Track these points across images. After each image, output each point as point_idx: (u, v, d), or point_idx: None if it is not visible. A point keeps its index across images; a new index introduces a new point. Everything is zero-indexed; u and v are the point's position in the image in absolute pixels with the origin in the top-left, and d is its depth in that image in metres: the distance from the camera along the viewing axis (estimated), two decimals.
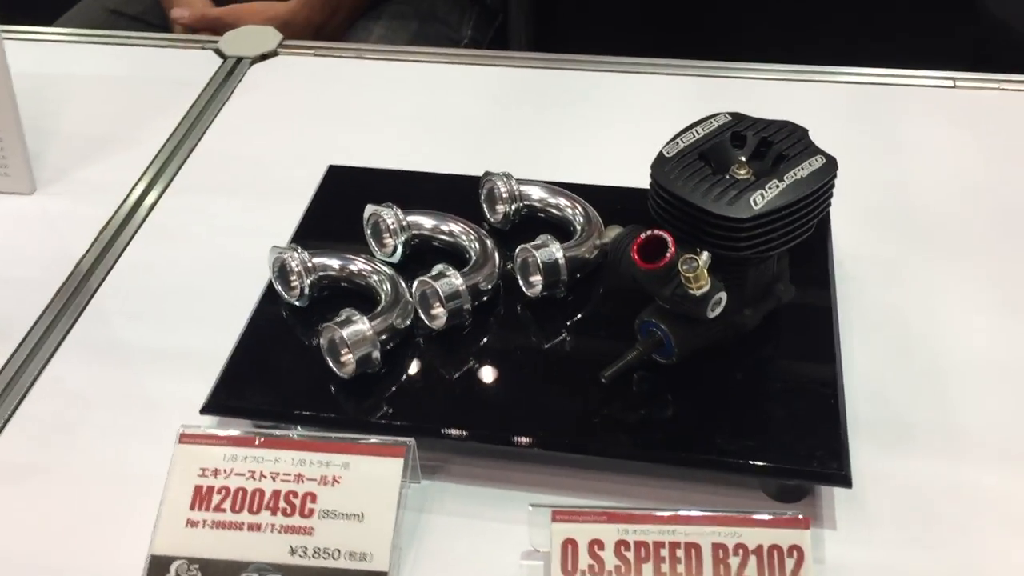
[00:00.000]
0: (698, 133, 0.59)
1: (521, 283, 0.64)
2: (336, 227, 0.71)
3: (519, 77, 0.95)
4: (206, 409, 0.59)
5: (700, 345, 0.59)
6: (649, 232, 0.56)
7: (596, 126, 0.87)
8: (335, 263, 0.65)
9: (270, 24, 1.35)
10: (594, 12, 1.54)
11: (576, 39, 1.42)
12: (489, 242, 0.66)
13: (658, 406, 0.59)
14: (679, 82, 0.92)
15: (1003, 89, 0.89)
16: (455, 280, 0.62)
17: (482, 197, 0.70)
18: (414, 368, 0.62)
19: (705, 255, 0.55)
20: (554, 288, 0.64)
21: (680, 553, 0.51)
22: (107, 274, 0.74)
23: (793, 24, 1.44)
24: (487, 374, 0.62)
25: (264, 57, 0.98)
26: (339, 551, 0.53)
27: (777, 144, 0.59)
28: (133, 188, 0.82)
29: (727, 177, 0.57)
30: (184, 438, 0.57)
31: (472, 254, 0.66)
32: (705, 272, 0.55)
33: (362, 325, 0.59)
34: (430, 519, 0.57)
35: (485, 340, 0.63)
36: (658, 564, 0.51)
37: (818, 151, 0.59)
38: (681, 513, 0.52)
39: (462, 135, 0.87)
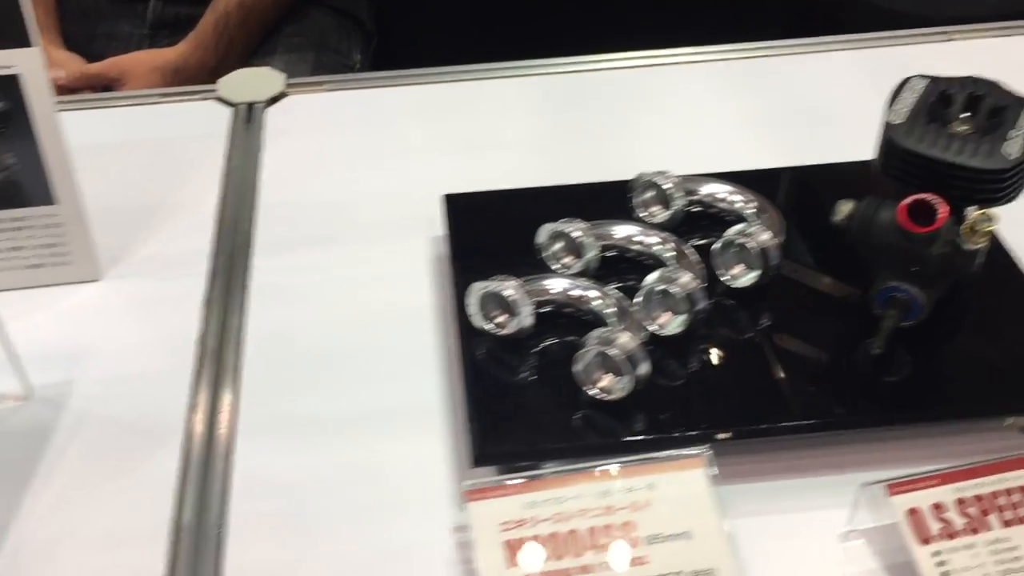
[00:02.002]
0: (909, 99, 0.63)
1: (726, 274, 0.64)
2: (491, 253, 0.68)
3: (537, 85, 0.93)
4: (480, 461, 0.56)
5: (934, 300, 0.62)
6: (915, 197, 0.58)
7: (624, 123, 0.88)
8: (555, 286, 0.62)
9: (158, 72, 1.29)
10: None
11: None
12: (680, 243, 0.66)
13: (916, 366, 0.60)
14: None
15: None
16: (691, 282, 0.60)
17: (640, 199, 0.69)
18: (665, 377, 0.60)
19: (978, 209, 0.58)
20: (768, 275, 0.64)
21: (1017, 497, 0.53)
22: (240, 350, 0.68)
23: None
24: (729, 368, 0.61)
25: (274, 100, 0.93)
26: (681, 572, 0.52)
27: (986, 98, 0.63)
28: (215, 256, 0.75)
29: (959, 134, 0.61)
30: (471, 495, 0.54)
31: (664, 257, 0.65)
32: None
33: (630, 341, 0.57)
34: (732, 523, 0.55)
35: (708, 335, 0.62)
36: (1001, 513, 0.53)
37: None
38: (1002, 461, 0.53)
39: (516, 147, 0.85)
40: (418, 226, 0.76)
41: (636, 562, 0.52)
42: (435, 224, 0.74)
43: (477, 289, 0.62)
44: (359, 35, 1.40)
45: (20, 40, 0.66)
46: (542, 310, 0.63)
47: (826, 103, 0.90)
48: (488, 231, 0.71)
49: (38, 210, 0.71)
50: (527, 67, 0.97)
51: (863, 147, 0.69)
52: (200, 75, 1.23)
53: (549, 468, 0.55)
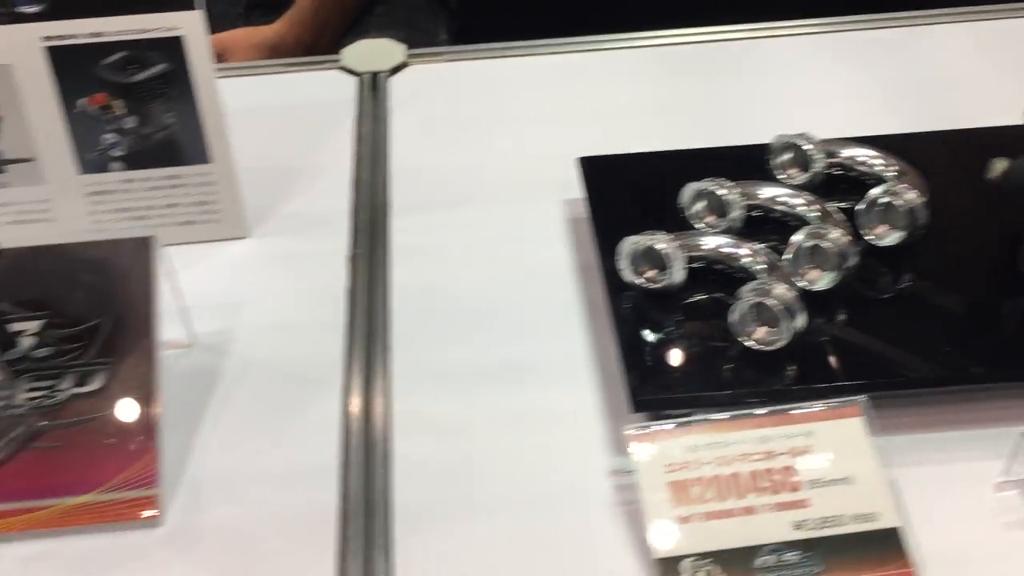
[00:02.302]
0: None
1: (870, 234, 0.65)
2: (630, 212, 0.70)
3: (651, 56, 0.94)
4: (640, 407, 0.57)
5: None
6: None
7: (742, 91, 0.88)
8: (707, 242, 0.64)
9: (256, 49, 1.32)
10: None
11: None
12: (825, 203, 0.67)
13: None
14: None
15: None
16: (841, 237, 0.62)
17: (778, 160, 0.71)
18: (814, 331, 0.61)
19: None
20: (914, 234, 0.64)
21: None
22: (387, 303, 0.70)
23: None
24: (879, 324, 0.62)
25: (396, 70, 0.96)
26: (843, 516, 0.53)
27: None
28: (355, 215, 0.78)
29: None
30: (635, 438, 0.56)
31: (810, 218, 0.66)
32: None
33: (787, 292, 0.59)
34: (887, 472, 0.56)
35: (856, 292, 0.63)
36: None
37: None
38: None
39: (635, 115, 0.86)
40: (548, 189, 0.78)
41: (798, 505, 0.54)
42: (565, 187, 0.76)
43: (630, 243, 0.64)
44: (444, 15, 1.44)
45: (184, 3, 0.70)
46: (691, 266, 0.65)
47: (948, 74, 0.90)
48: (625, 192, 0.73)
49: (193, 169, 0.74)
50: (639, 38, 0.98)
51: (990, 116, 0.70)
52: (296, 52, 1.25)
53: (707, 415, 0.57)
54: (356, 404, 0.64)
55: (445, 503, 0.59)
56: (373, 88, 0.93)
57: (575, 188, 0.76)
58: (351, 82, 0.94)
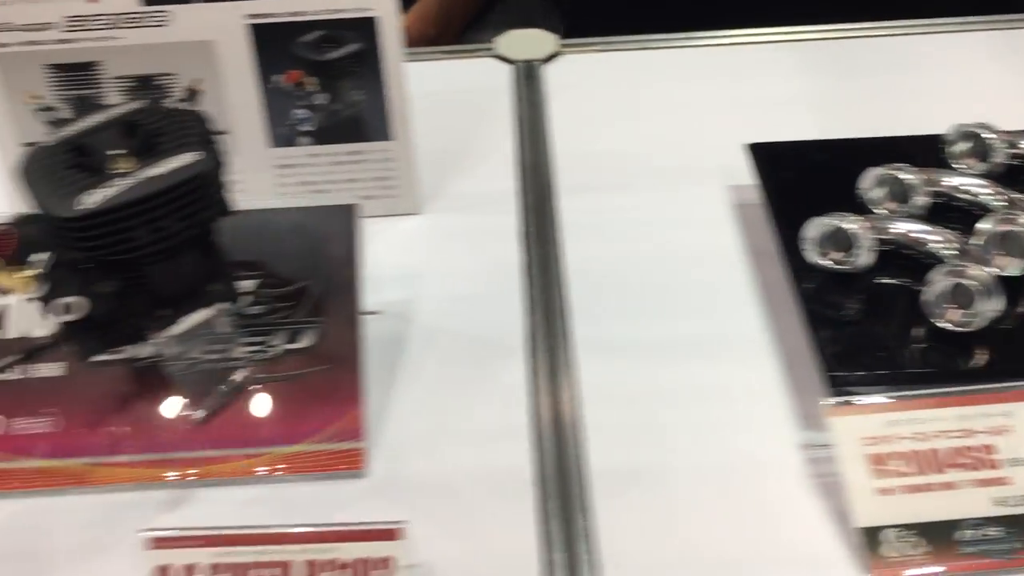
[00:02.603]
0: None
1: None
2: (805, 198, 0.70)
3: (792, 50, 0.95)
4: (835, 383, 0.59)
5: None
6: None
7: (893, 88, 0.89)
8: (896, 226, 0.65)
9: None
10: None
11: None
12: (1011, 192, 0.68)
13: None
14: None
15: None
16: None
17: (956, 149, 0.71)
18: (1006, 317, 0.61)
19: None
20: None
21: None
22: (561, 278, 0.72)
23: None
24: None
25: (549, 58, 0.98)
26: None
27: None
28: (523, 195, 0.81)
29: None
30: (834, 411, 0.57)
31: (995, 206, 0.67)
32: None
33: (986, 274, 0.59)
34: None
35: None
36: None
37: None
38: None
39: (786, 106, 0.87)
40: (711, 175, 0.80)
41: (999, 482, 0.55)
42: (727, 173, 0.78)
43: (817, 225, 0.65)
44: (558, 13, 1.46)
45: None
46: (876, 249, 0.65)
47: None
48: (800, 178, 0.74)
49: (375, 145, 0.77)
50: (782, 33, 0.99)
51: None
52: (420, 45, 1.30)
53: (901, 392, 0.57)
54: (543, 372, 0.66)
55: (639, 469, 0.61)
56: (528, 76, 0.97)
57: (737, 175, 0.77)
58: (505, 70, 0.98)
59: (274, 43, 0.74)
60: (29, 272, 0.49)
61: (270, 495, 0.60)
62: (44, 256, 0.50)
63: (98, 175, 0.51)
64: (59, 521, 0.59)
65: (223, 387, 0.61)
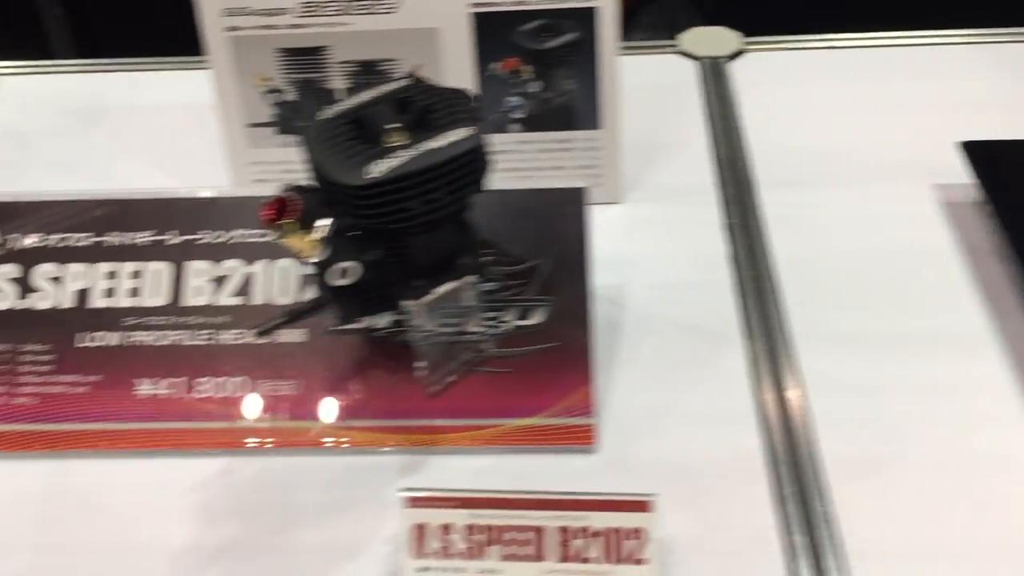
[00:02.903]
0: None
1: None
2: None
3: (1000, 51, 0.93)
4: None
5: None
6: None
7: None
8: None
9: None
10: None
11: None
12: None
13: None
14: None
15: None
16: None
17: None
18: None
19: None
20: None
21: None
22: (770, 270, 0.72)
23: None
24: None
25: (734, 56, 0.99)
26: None
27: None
28: (722, 188, 0.81)
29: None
30: None
31: None
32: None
33: None
34: None
35: None
36: None
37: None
38: None
39: (985, 107, 0.86)
40: (914, 172, 0.80)
41: None
42: (932, 171, 0.78)
43: None
44: (700, 16, 1.47)
45: None
46: None
47: None
48: (1020, 177, 0.73)
49: (584, 134, 0.79)
50: (972, 35, 0.97)
51: None
52: None
53: None
54: (763, 359, 0.67)
55: (872, 458, 0.61)
56: (714, 73, 0.98)
57: (941, 173, 0.77)
58: (690, 66, 0.99)
59: (494, 31, 0.76)
60: (316, 236, 0.52)
61: (502, 465, 0.62)
62: (325, 223, 0.52)
63: (377, 147, 0.54)
64: (301, 480, 0.62)
65: (459, 359, 0.63)
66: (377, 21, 0.76)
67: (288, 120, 0.80)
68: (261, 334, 0.58)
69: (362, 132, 0.54)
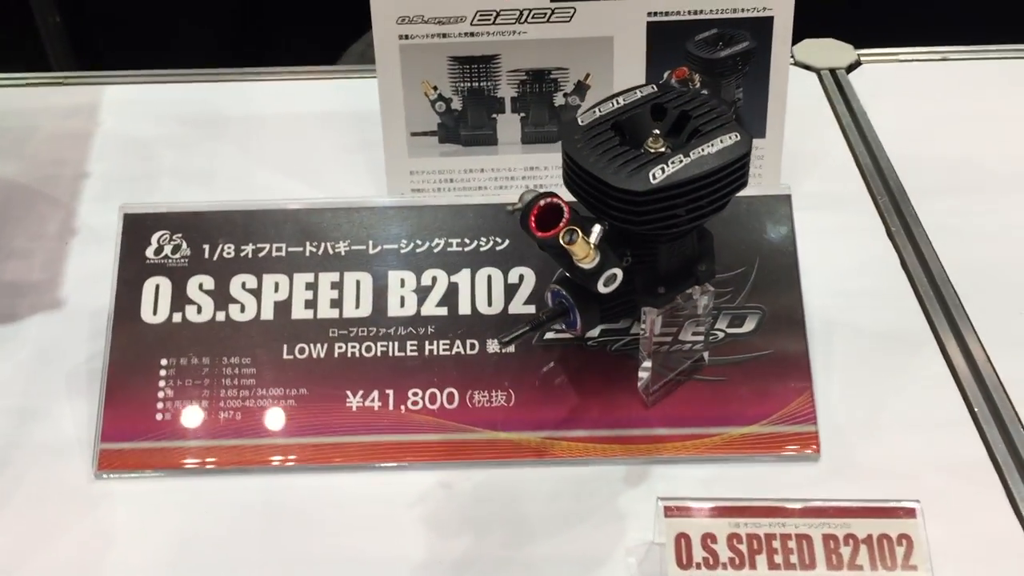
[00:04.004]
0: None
1: None
2: None
3: None
4: None
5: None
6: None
7: None
8: None
9: None
10: None
11: None
12: None
13: None
14: None
15: None
16: None
17: None
18: None
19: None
20: None
21: None
22: (946, 276, 0.73)
23: None
24: None
25: (850, 68, 1.00)
26: None
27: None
28: (875, 197, 0.81)
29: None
30: None
31: None
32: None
33: None
34: None
35: None
36: None
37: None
38: None
39: None
40: None
41: None
42: None
43: None
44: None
45: None
46: None
47: None
48: None
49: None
50: None
51: None
52: None
53: None
54: (961, 365, 0.67)
55: None
56: (836, 83, 0.99)
57: None
58: (808, 77, 1.00)
59: (668, 40, 0.76)
60: (594, 241, 0.51)
61: (726, 474, 0.62)
62: (597, 229, 0.52)
63: (648, 153, 0.53)
64: (525, 492, 0.61)
65: (678, 368, 0.63)
66: (552, 30, 0.76)
67: (451, 129, 0.80)
68: (505, 344, 0.57)
69: (624, 138, 0.55)
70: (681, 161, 0.52)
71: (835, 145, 0.89)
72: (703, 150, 0.52)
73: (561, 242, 0.51)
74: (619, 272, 0.53)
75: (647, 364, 0.61)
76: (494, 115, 0.79)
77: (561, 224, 0.52)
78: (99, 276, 0.73)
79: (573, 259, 0.52)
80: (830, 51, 1.05)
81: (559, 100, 0.78)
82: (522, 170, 0.81)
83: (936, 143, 0.89)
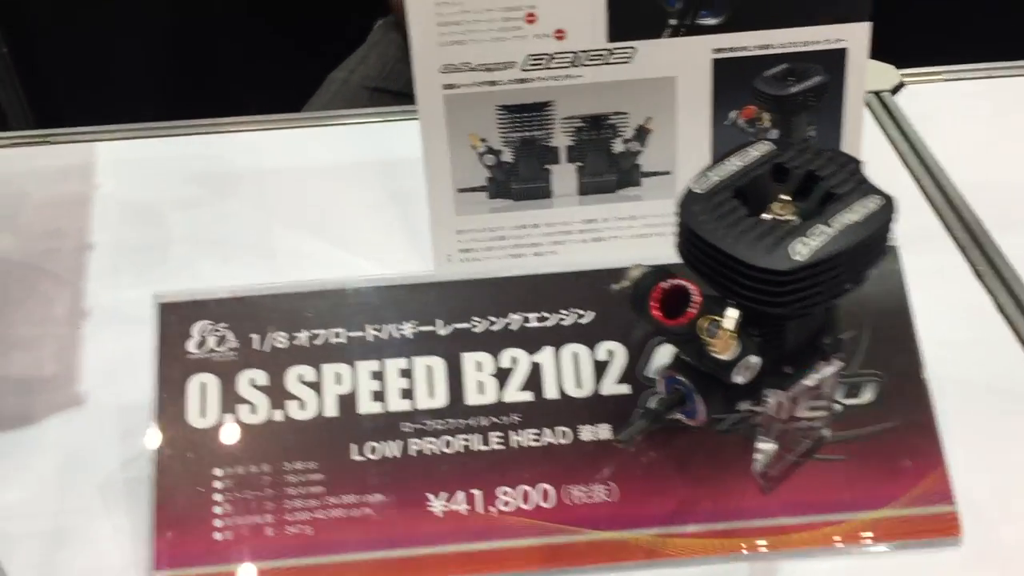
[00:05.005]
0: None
1: None
2: None
3: None
4: None
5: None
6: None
7: None
8: None
9: None
10: None
11: None
12: None
13: None
14: None
15: None
16: None
17: None
18: None
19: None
20: None
21: None
22: None
23: None
24: None
25: (895, 89, 0.95)
26: None
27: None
28: (951, 232, 0.75)
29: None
30: None
31: None
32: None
33: None
34: None
35: None
36: None
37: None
38: None
39: None
40: None
41: None
42: None
43: None
44: None
45: (856, 13, 0.70)
46: None
47: None
48: None
49: None
50: None
51: None
52: None
53: None
54: None
55: None
56: (884, 106, 0.94)
57: None
58: None
59: (735, 77, 0.71)
60: (731, 330, 0.45)
61: (861, 567, 0.56)
62: (733, 314, 0.46)
63: (780, 224, 0.48)
64: None
65: (797, 448, 0.57)
66: (610, 72, 0.69)
67: (502, 183, 0.73)
68: (623, 443, 0.50)
69: (747, 205, 0.49)
70: (824, 233, 0.46)
71: (896, 175, 0.83)
72: (846, 218, 0.46)
73: (701, 334, 0.46)
74: (759, 361, 0.47)
75: (763, 446, 0.55)
76: (547, 166, 0.74)
77: (692, 311, 0.46)
78: (120, 365, 0.67)
79: (706, 348, 0.47)
80: (872, 73, 1.00)
81: (618, 147, 0.73)
82: (579, 223, 0.74)
83: (1000, 167, 0.84)
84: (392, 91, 1.22)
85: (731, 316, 0.46)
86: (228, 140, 0.92)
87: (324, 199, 0.82)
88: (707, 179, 0.49)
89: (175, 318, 0.59)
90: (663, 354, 0.59)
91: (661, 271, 0.48)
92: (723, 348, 0.45)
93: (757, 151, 0.50)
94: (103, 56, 1.54)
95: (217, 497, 0.56)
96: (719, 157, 0.50)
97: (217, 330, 0.59)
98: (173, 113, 0.97)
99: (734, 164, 0.49)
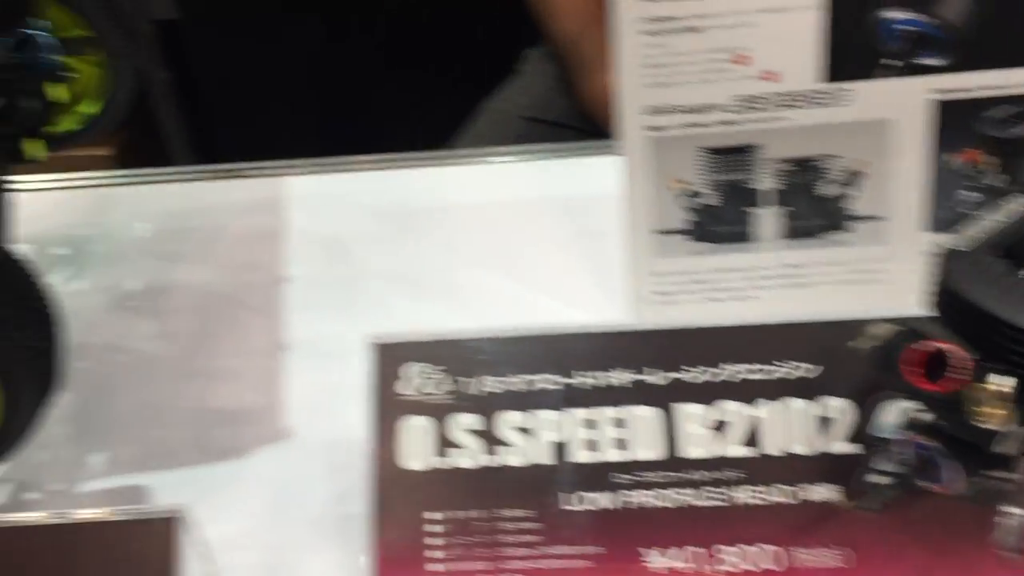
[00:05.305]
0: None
1: None
2: None
3: None
4: None
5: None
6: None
7: None
8: None
9: None
10: None
11: None
12: None
13: None
14: None
15: None
16: None
17: None
18: None
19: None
20: None
21: None
22: None
23: None
24: None
25: None
26: None
27: None
28: None
29: None
30: None
31: None
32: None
33: None
34: None
35: None
36: None
37: None
38: None
39: None
40: None
41: None
42: None
43: None
44: None
45: None
46: None
47: None
48: None
49: None
50: None
51: None
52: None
53: None
54: None
55: None
56: None
57: None
58: None
59: (955, 119, 0.68)
60: (1007, 398, 0.44)
61: None
62: (1007, 381, 0.44)
63: None
64: None
65: None
66: (822, 114, 0.67)
67: (704, 226, 0.72)
68: (870, 509, 0.49)
69: (1013, 261, 0.46)
70: None
71: None
72: None
73: (968, 402, 0.43)
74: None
75: (1014, 515, 0.53)
76: (749, 208, 0.72)
77: (963, 376, 0.43)
78: (323, 399, 0.68)
79: (969, 415, 0.45)
80: None
81: (823, 190, 0.71)
82: (778, 268, 0.72)
83: None
84: (548, 121, 1.23)
85: (1007, 384, 0.43)
86: (407, 176, 0.94)
87: (508, 236, 0.82)
88: (967, 237, 0.46)
89: (388, 359, 0.60)
90: (890, 413, 0.57)
91: (911, 330, 0.46)
92: (995, 417, 0.42)
93: (1018, 203, 0.48)
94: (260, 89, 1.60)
95: (428, 541, 0.56)
96: (976, 215, 0.48)
97: (434, 373, 0.60)
98: (327, 149, 1.00)
99: (996, 220, 0.47)
